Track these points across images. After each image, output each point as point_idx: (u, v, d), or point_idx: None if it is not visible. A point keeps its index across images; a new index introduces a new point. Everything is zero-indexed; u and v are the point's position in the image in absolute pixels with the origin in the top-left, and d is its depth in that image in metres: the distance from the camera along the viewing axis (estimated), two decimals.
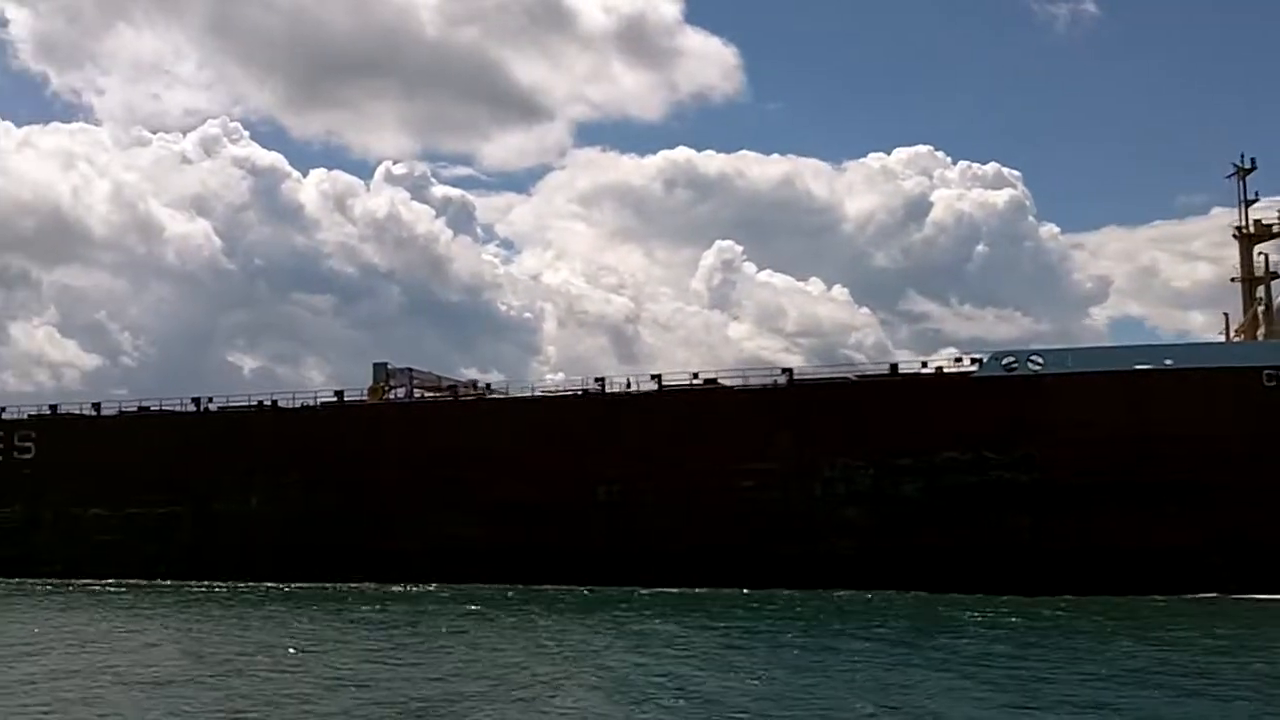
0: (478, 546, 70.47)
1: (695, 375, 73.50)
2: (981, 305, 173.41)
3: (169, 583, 75.12)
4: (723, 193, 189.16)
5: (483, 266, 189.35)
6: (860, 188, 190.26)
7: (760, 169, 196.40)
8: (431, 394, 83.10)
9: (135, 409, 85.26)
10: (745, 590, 62.83)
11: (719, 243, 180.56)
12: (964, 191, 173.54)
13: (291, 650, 42.22)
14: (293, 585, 71.67)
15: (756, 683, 34.67)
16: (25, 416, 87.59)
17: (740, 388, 71.77)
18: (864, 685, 33.83)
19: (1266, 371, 61.71)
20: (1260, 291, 68.28)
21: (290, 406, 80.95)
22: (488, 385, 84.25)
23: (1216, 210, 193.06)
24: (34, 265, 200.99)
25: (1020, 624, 48.01)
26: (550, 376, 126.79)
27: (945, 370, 68.50)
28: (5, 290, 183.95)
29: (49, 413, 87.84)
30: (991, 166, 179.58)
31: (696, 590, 63.35)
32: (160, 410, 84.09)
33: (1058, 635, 44.74)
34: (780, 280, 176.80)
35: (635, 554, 67.79)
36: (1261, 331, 67.24)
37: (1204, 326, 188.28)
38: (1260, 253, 68.82)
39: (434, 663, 38.96)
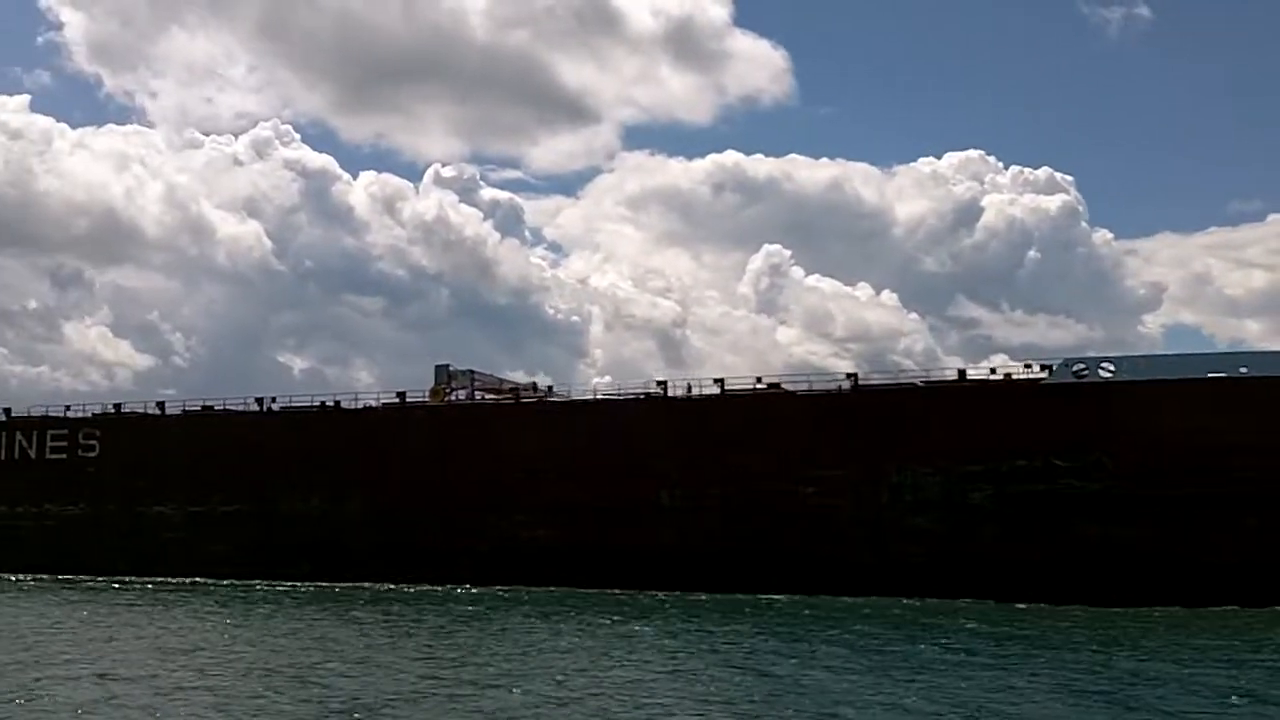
0: (541, 548, 70.76)
1: (759, 380, 73.07)
2: (1033, 312, 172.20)
3: (226, 583, 74.62)
4: (771, 196, 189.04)
5: (530, 269, 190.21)
6: (910, 192, 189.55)
7: (809, 173, 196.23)
8: (492, 396, 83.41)
9: (199, 408, 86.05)
10: (807, 596, 62.30)
11: (767, 247, 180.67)
12: (1015, 196, 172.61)
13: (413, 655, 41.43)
14: (361, 585, 71.47)
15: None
16: (90, 415, 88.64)
17: (803, 393, 71.33)
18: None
19: None
20: None
21: (352, 407, 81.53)
22: (549, 388, 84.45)
23: (1273, 217, 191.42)
24: (87, 266, 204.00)
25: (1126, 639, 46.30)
26: (597, 380, 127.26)
27: (1014, 377, 67.77)
28: (59, 290, 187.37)
29: (113, 412, 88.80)
30: (1044, 171, 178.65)
31: (759, 596, 62.99)
32: (224, 410, 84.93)
33: (1172, 651, 42.72)
34: (828, 285, 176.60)
35: (699, 558, 67.70)
36: None
37: (1260, 335, 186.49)
38: None
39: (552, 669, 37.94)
